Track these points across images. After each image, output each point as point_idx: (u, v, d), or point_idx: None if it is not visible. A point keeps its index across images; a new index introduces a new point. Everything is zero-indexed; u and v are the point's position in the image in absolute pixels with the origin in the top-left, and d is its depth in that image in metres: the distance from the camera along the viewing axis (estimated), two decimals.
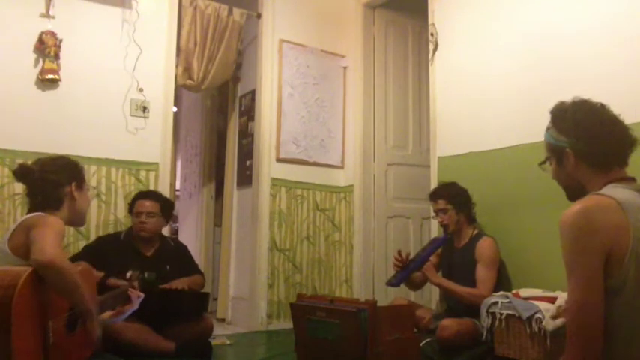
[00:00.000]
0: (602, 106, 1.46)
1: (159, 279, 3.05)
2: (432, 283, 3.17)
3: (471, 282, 3.00)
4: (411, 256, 3.17)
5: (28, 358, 1.75)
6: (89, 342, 2.11)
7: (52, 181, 2.16)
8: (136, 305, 2.36)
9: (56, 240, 1.92)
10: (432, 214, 3.32)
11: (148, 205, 3.20)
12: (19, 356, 1.70)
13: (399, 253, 3.12)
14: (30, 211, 2.15)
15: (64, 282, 1.87)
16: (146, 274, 2.69)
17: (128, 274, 2.36)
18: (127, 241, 3.18)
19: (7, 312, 1.68)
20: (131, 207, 3.26)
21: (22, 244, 1.95)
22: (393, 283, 3.09)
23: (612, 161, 1.41)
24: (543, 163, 1.54)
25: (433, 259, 3.21)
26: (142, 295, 2.52)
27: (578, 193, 1.46)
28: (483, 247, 3.03)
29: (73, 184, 2.21)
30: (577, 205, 1.31)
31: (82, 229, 3.38)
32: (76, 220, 2.31)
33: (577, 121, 1.43)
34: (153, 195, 3.31)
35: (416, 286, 3.32)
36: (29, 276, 1.75)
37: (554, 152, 1.49)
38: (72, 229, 3.35)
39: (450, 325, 2.83)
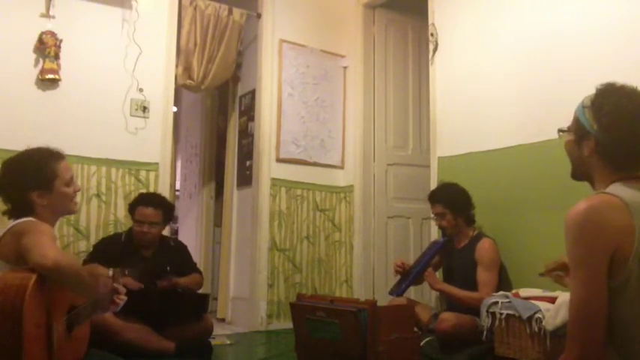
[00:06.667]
0: None
1: (159, 279, 3.05)
2: (434, 289, 3.17)
3: (472, 283, 2.99)
4: (411, 261, 3.16)
5: None
6: (85, 342, 2.13)
7: (11, 192, 2.04)
8: (123, 299, 2.31)
9: (52, 243, 1.91)
10: (432, 214, 3.32)
11: (150, 213, 3.12)
12: (28, 358, 1.70)
13: (402, 262, 3.13)
14: (11, 217, 2.06)
15: (72, 279, 1.87)
16: (126, 272, 2.70)
17: (110, 272, 2.35)
18: (127, 243, 3.17)
19: (17, 316, 1.68)
20: (132, 210, 3.19)
21: (12, 251, 1.91)
22: (397, 292, 3.09)
23: (629, 163, 1.37)
24: (565, 130, 1.48)
25: (434, 258, 3.21)
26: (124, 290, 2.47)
27: (582, 175, 1.44)
28: (484, 248, 3.02)
29: (35, 193, 2.02)
30: (583, 204, 1.29)
31: (81, 228, 3.39)
32: (61, 214, 2.19)
33: (615, 119, 1.34)
34: (155, 202, 3.19)
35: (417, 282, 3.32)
36: (36, 280, 1.76)
37: (579, 131, 1.42)
38: (71, 229, 3.36)
39: (448, 317, 2.84)
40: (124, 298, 2.16)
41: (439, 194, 3.20)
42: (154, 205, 3.15)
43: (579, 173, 1.46)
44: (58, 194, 2.08)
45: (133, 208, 3.19)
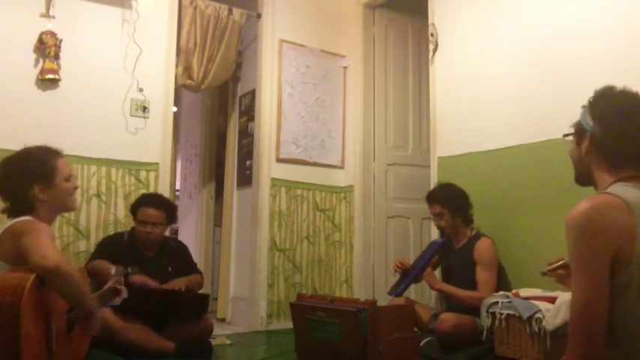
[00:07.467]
0: None
1: (160, 280, 3.05)
2: (433, 289, 3.17)
3: (470, 283, 3.00)
4: (411, 262, 3.17)
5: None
6: (85, 342, 2.12)
7: (11, 188, 2.04)
8: (124, 295, 2.30)
9: (53, 244, 1.90)
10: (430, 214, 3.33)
11: (153, 214, 3.12)
12: (27, 358, 1.70)
13: (401, 262, 3.14)
14: (9, 215, 2.05)
15: (69, 286, 1.85)
16: (129, 269, 2.70)
17: (113, 271, 2.34)
18: (129, 243, 3.17)
19: (15, 316, 1.68)
20: (134, 211, 3.18)
21: (10, 250, 1.90)
22: (397, 293, 3.09)
23: (627, 162, 1.37)
24: (569, 135, 1.51)
25: (433, 258, 3.22)
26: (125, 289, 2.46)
27: (585, 178, 1.45)
28: (483, 248, 3.03)
29: (36, 187, 2.02)
30: (584, 204, 1.29)
31: (81, 228, 3.39)
32: (60, 210, 2.20)
33: (608, 113, 1.38)
34: (158, 202, 3.20)
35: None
36: (34, 280, 1.75)
37: (578, 130, 1.45)
38: (71, 229, 3.36)
39: (448, 318, 2.84)
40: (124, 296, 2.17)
41: (437, 194, 3.21)
42: (156, 206, 3.16)
43: (581, 175, 1.47)
44: (59, 189, 2.09)
45: (135, 209, 3.19)
